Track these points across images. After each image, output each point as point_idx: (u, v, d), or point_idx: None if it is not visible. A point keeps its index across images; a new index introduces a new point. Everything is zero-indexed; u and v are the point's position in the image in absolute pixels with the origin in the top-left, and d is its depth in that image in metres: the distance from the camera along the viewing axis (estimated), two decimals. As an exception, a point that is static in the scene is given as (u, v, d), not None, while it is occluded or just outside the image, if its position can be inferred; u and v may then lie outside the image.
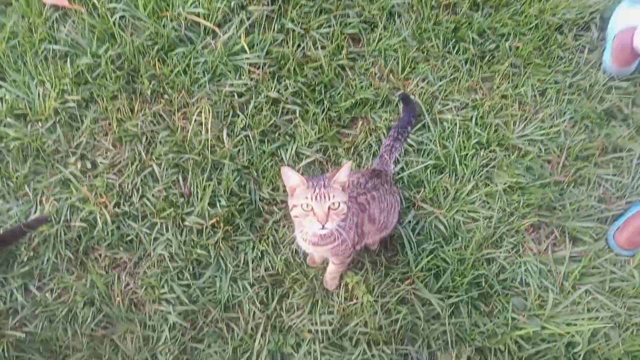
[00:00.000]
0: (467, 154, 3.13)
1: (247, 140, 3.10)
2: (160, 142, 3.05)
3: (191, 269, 2.81)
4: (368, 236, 2.59)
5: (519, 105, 3.34)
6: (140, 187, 2.95)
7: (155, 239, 2.87)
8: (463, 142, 3.16)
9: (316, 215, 2.06)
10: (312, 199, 2.06)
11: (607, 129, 3.27)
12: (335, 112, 3.20)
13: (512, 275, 2.86)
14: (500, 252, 2.92)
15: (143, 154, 3.02)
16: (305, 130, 3.13)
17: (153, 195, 2.93)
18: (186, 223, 2.87)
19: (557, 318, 2.77)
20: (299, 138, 3.10)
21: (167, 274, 2.79)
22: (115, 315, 2.70)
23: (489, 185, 3.09)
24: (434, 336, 2.73)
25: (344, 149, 3.12)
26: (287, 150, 3.10)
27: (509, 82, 3.39)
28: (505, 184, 3.07)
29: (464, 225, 2.98)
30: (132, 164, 3.00)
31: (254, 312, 2.74)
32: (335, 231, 2.17)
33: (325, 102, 3.21)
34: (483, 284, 2.82)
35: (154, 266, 2.82)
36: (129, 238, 2.87)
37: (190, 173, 2.98)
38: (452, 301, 2.77)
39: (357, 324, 2.72)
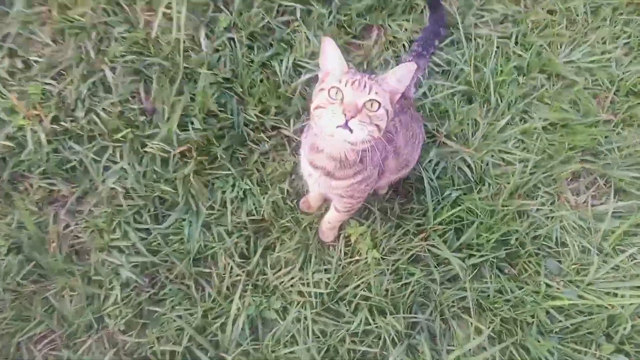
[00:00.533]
0: (503, 80, 2.30)
1: (231, 45, 2.22)
2: (115, 40, 2.16)
3: (152, 210, 2.04)
4: (385, 175, 1.85)
5: (567, 24, 2.47)
6: (87, 98, 2.09)
7: (106, 167, 2.06)
8: (500, 65, 2.33)
9: (344, 104, 1.36)
10: (346, 84, 1.37)
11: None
12: (345, 15, 2.30)
13: (547, 232, 2.11)
14: (534, 205, 2.14)
15: (92, 53, 2.13)
16: (307, 36, 2.24)
17: (104, 109, 2.08)
18: (147, 149, 2.04)
19: (594, 285, 2.06)
20: (298, 46, 2.23)
21: (120, 214, 2.00)
22: (50, 265, 1.93)
23: (526, 120, 2.27)
24: (449, 303, 2.01)
25: (355, 65, 2.24)
26: (281, 61, 2.22)
27: (558, -7, 2.47)
28: (546, 120, 2.25)
29: (493, 169, 2.18)
30: (77, 65, 2.13)
31: (232, 267, 2.00)
32: (363, 156, 1.52)
33: (333, 2, 2.24)
34: (513, 241, 2.07)
35: (103, 204, 2.02)
36: (71, 165, 2.05)
37: (154, 83, 2.11)
38: (474, 262, 2.06)
39: (359, 286, 2.03)
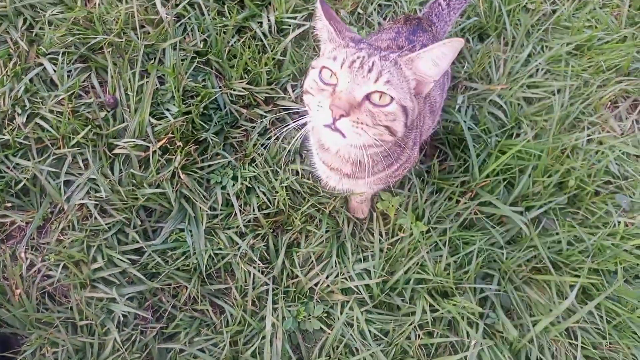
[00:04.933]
0: (514, 9, 2.05)
1: (196, 10, 1.83)
2: (50, 23, 1.72)
3: (139, 224, 1.58)
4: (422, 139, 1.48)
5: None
6: (25, 100, 1.63)
7: (68, 182, 1.60)
8: (507, -9, 2.08)
9: (334, 95, 0.96)
10: (343, 63, 0.97)
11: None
12: (324, -41, 1.98)
13: (604, 167, 1.86)
14: (583, 138, 1.91)
15: (22, 44, 1.67)
16: (284, -11, 1.90)
17: (52, 110, 1.63)
18: (118, 150, 1.60)
19: (670, 216, 1.83)
20: (277, 2, 1.87)
21: (98, 236, 1.54)
22: (19, 317, 1.45)
23: (550, 48, 2.04)
24: (515, 268, 1.71)
25: (348, 13, 1.93)
26: (261, 22, 1.86)
27: None
28: (569, 44, 2.03)
29: (527, 107, 1.93)
30: (6, 63, 1.66)
31: (253, 276, 1.59)
32: (391, 150, 1.16)
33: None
34: (572, 182, 1.81)
35: (73, 227, 1.56)
36: (20, 186, 1.57)
37: (110, 68, 1.68)
38: (535, 214, 1.75)
39: (410, 269, 1.65)
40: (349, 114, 0.94)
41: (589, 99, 1.97)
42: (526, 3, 2.09)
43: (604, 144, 1.93)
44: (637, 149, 1.95)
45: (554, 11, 2.12)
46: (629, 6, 2.20)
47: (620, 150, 1.92)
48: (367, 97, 0.97)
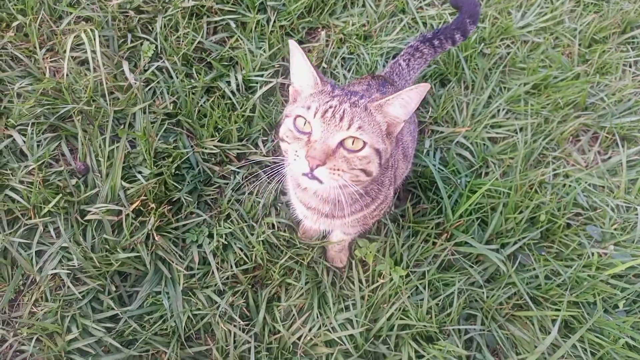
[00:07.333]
0: (471, 55, 2.12)
1: (165, 74, 1.85)
2: (18, 96, 1.71)
3: (114, 290, 1.53)
4: (396, 183, 1.51)
5: (510, -10, 2.38)
6: (-6, 172, 1.60)
7: (40, 252, 1.55)
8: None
9: (309, 145, 0.98)
10: (316, 112, 0.99)
11: (618, 4, 2.43)
12: (286, 20, 2.03)
13: (571, 200, 1.88)
14: (548, 172, 1.94)
15: (-9, 117, 1.66)
16: (250, 49, 1.93)
17: (22, 181, 1.59)
18: (90, 216, 1.56)
19: (640, 242, 1.85)
20: (244, 61, 1.90)
21: (72, 306, 1.49)
22: None
23: (508, 88, 2.10)
24: (497, 306, 1.69)
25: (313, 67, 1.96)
26: (229, 81, 1.88)
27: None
28: (527, 84, 2.10)
29: (493, 146, 1.97)
30: (-26, 138, 1.64)
31: (234, 335, 1.54)
32: (369, 189, 1.21)
33: (268, 8, 2.02)
34: (543, 217, 1.82)
35: (46, 298, 1.50)
36: (-10, 260, 1.51)
37: (80, 136, 1.67)
38: (510, 251, 1.75)
39: (393, 315, 1.61)
40: (325, 162, 0.96)
41: (550, 135, 2.02)
42: (482, 48, 2.17)
43: (570, 177, 1.96)
44: (602, 180, 1.99)
45: (509, 53, 2.20)
46: (579, 45, 2.29)
47: (586, 182, 1.95)
48: (341, 143, 0.99)
